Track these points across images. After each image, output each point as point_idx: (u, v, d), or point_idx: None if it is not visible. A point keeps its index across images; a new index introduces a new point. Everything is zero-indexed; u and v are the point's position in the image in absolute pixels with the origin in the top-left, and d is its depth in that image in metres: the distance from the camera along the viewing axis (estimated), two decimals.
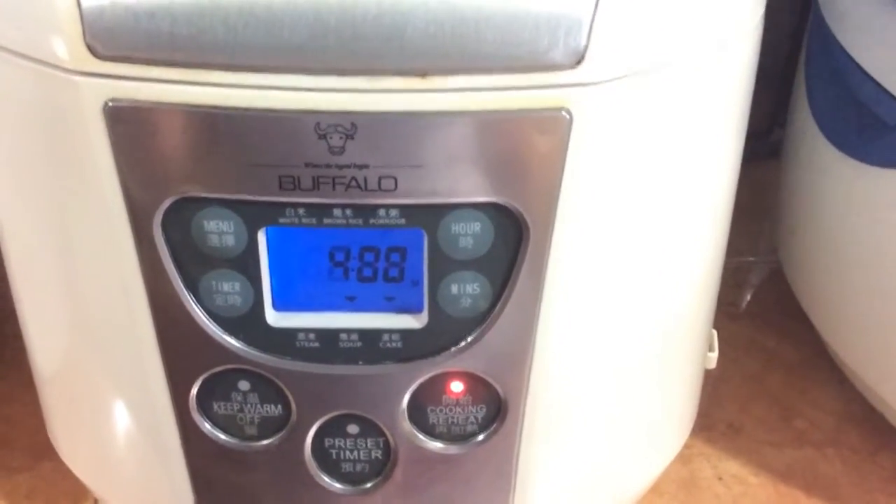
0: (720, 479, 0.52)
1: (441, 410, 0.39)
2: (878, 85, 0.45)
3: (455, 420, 0.39)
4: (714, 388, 0.56)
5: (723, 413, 0.56)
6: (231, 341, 0.36)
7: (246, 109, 0.32)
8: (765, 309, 0.63)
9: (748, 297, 0.64)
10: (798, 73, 0.55)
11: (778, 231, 0.61)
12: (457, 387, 0.38)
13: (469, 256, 0.35)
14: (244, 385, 0.38)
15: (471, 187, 0.33)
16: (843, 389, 0.57)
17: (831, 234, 0.52)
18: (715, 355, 0.47)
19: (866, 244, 0.49)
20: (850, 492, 0.52)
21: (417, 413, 0.38)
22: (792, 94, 0.57)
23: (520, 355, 0.37)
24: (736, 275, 0.65)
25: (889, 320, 0.49)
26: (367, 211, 0.34)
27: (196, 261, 0.35)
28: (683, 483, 0.52)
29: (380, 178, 0.33)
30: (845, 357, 0.54)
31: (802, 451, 0.54)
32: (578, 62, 0.31)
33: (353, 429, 0.39)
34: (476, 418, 0.39)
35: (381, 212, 0.34)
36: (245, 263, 0.35)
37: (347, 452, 0.40)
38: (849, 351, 0.53)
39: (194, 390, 0.38)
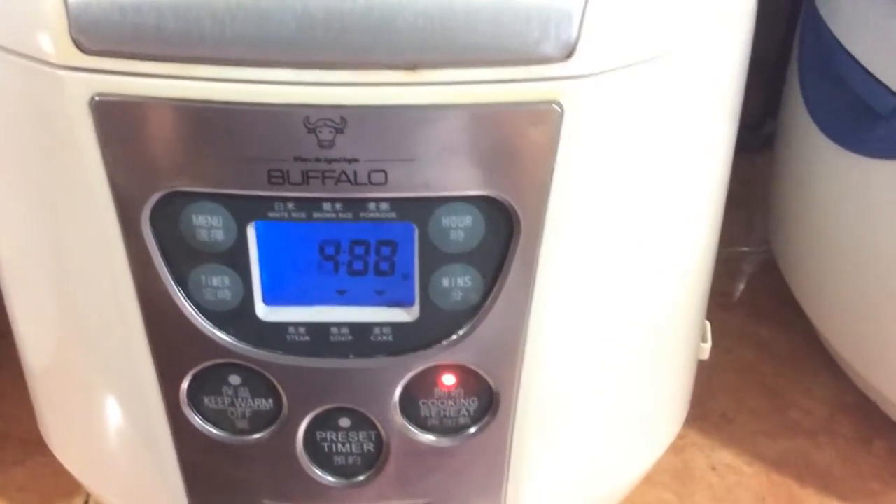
0: (714, 468, 0.52)
1: (433, 403, 0.38)
2: (871, 75, 0.45)
3: (447, 413, 0.39)
4: (707, 378, 0.56)
5: (716, 403, 0.56)
6: (221, 336, 0.36)
7: (234, 103, 0.31)
8: (758, 299, 0.63)
9: (741, 287, 0.64)
10: (791, 64, 0.55)
11: (771, 221, 0.61)
12: (449, 380, 0.38)
13: (460, 250, 0.35)
14: (235, 379, 0.38)
15: (462, 180, 0.33)
16: (836, 379, 0.57)
17: (824, 225, 0.52)
18: (708, 346, 0.47)
19: (859, 234, 0.49)
20: (843, 481, 0.52)
21: (409, 406, 0.38)
22: (785, 85, 0.57)
23: (511, 348, 0.37)
24: (728, 265, 0.65)
25: (881, 310, 0.49)
26: (358, 205, 0.34)
27: (185, 255, 0.35)
28: (677, 473, 0.52)
29: (370, 172, 0.33)
30: (838, 346, 0.54)
31: (796, 441, 0.54)
32: (569, 55, 0.31)
33: (344, 422, 0.39)
34: (468, 411, 0.39)
35: (372, 206, 0.34)
36: (234, 258, 0.35)
37: (339, 445, 0.39)
38: (842, 340, 0.54)
39: (184, 385, 0.38)
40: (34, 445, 0.49)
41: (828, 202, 0.51)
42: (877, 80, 0.45)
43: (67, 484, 0.49)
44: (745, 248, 0.67)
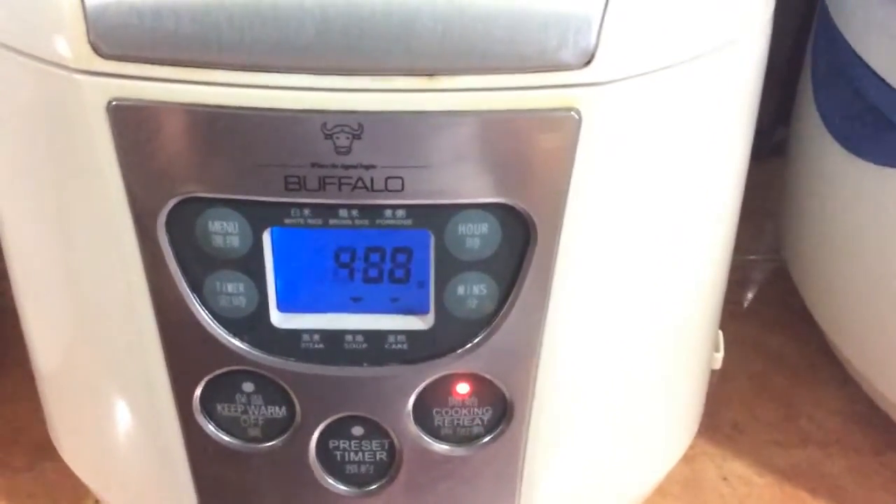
0: (725, 479, 0.52)
1: (447, 412, 0.38)
2: (885, 83, 0.45)
3: (461, 422, 0.39)
4: (718, 387, 0.56)
5: (727, 413, 0.56)
6: (235, 343, 0.36)
7: (251, 109, 0.31)
8: (768, 308, 0.63)
9: (750, 295, 0.64)
10: (804, 71, 0.55)
11: (782, 229, 0.61)
12: (463, 388, 0.38)
13: (476, 257, 0.35)
14: (248, 387, 0.37)
15: (478, 188, 0.33)
16: (847, 389, 0.57)
17: (837, 233, 0.52)
18: (721, 356, 0.47)
19: (872, 243, 0.49)
20: (855, 492, 0.52)
21: (423, 415, 0.38)
22: (798, 92, 0.57)
23: (526, 357, 0.37)
24: (739, 273, 0.64)
25: (894, 320, 0.49)
26: (374, 211, 0.34)
27: (200, 262, 0.34)
28: (688, 483, 0.52)
29: (386, 179, 0.32)
30: (850, 356, 0.54)
31: (807, 452, 0.54)
32: (588, 62, 0.31)
33: (357, 430, 0.39)
34: (482, 420, 0.39)
35: (388, 212, 0.34)
36: (249, 264, 0.35)
37: (352, 454, 0.39)
38: (853, 350, 0.53)
39: (198, 392, 0.38)
40: (43, 451, 0.49)
41: (840, 211, 0.51)
42: (891, 87, 0.45)
43: (77, 489, 0.49)
44: (755, 257, 0.66)
